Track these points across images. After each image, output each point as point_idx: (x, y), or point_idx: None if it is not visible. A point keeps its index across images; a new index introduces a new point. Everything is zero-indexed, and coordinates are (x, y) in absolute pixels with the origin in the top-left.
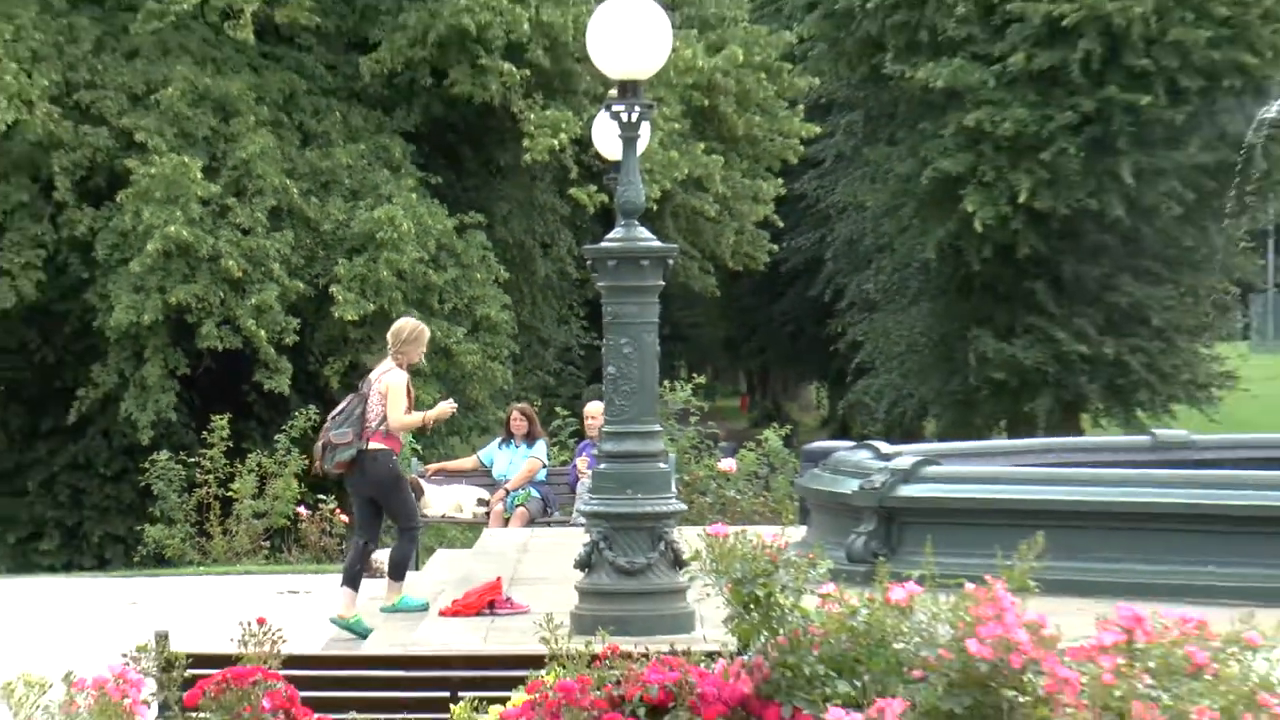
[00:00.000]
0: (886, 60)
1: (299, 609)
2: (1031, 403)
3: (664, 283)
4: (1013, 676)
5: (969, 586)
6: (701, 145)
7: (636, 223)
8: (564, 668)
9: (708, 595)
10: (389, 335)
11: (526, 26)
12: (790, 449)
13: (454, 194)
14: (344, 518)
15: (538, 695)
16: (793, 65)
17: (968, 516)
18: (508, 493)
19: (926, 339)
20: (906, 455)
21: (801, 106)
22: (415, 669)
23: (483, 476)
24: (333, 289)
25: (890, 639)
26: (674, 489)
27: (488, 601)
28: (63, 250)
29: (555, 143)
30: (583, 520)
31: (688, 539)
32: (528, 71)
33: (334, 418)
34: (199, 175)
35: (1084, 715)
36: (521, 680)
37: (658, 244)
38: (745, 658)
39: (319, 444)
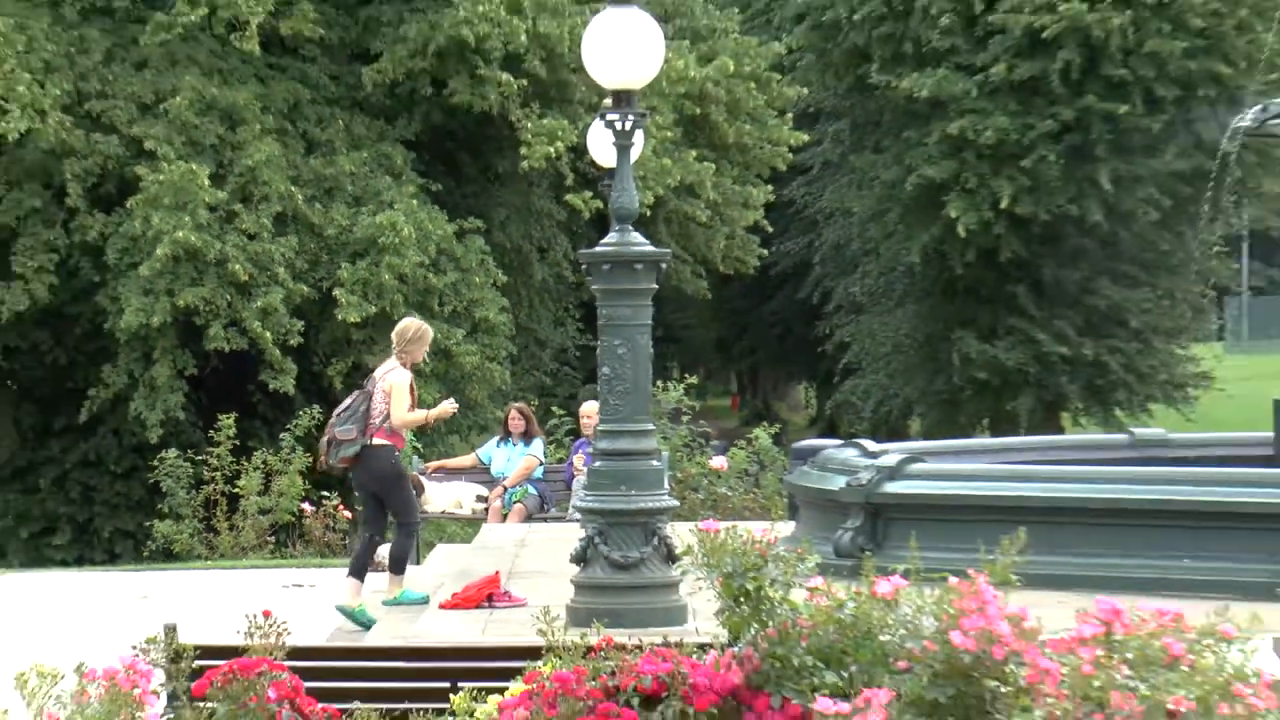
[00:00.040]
0: (872, 70)
1: (303, 602)
2: (1013, 402)
3: (657, 286)
4: (995, 667)
5: (953, 580)
6: (693, 153)
7: (630, 228)
8: (560, 659)
9: (699, 589)
10: (393, 335)
11: (524, 38)
12: (779, 447)
13: (453, 200)
14: (347, 513)
15: (535, 685)
16: (782, 75)
17: (951, 512)
18: (506, 489)
19: (912, 340)
20: (892, 453)
21: (790, 115)
22: (416, 660)
23: (481, 474)
24: (336, 292)
25: (876, 631)
26: (667, 486)
27: (486, 595)
28: (74, 254)
29: (552, 150)
30: (578, 516)
31: (680, 534)
32: (525, 81)
33: (339, 414)
34: (206, 182)
35: (1064, 705)
36: (519, 671)
37: (651, 248)
38: (736, 649)
39: (324, 439)
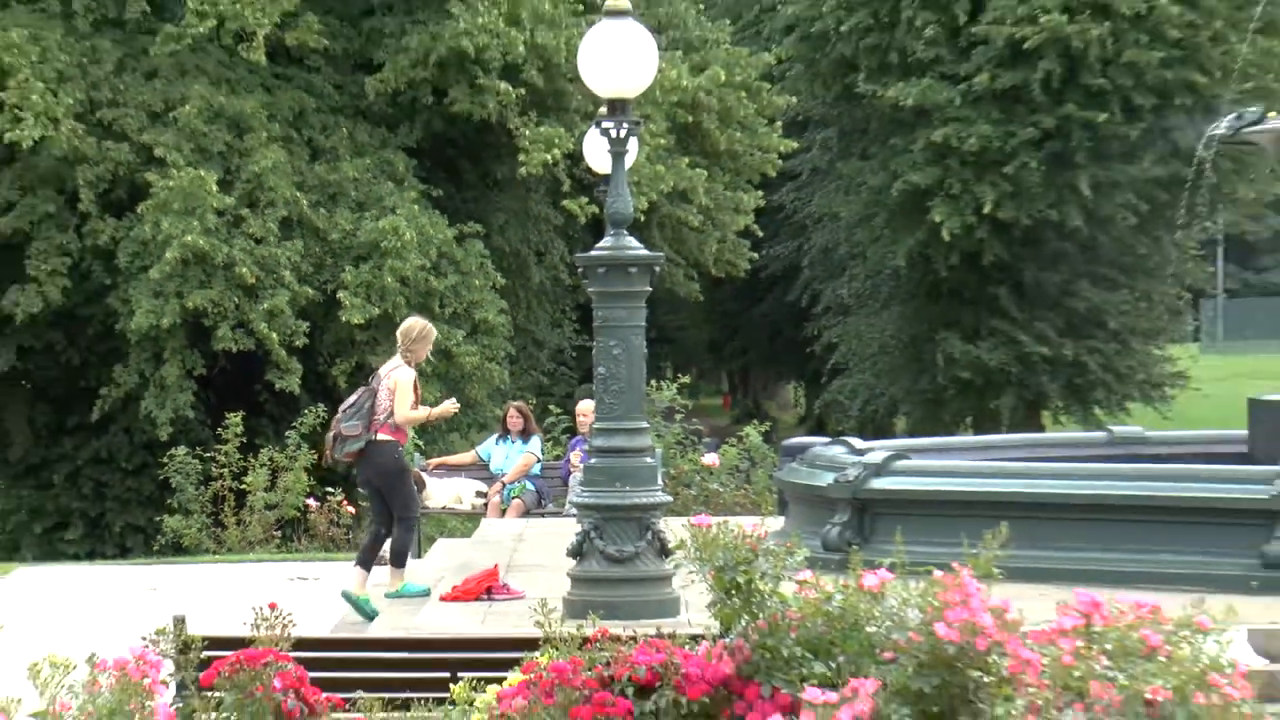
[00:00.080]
0: (859, 80)
1: (308, 595)
2: (996, 401)
3: (651, 288)
4: (978, 658)
5: (937, 573)
6: (686, 160)
7: (625, 232)
8: (557, 650)
9: (692, 581)
10: (398, 334)
11: (522, 48)
12: (769, 444)
13: (454, 205)
14: (350, 509)
15: (533, 675)
16: (771, 85)
17: (936, 508)
18: (504, 485)
19: (897, 341)
20: (878, 450)
21: (780, 123)
22: (417, 651)
23: (481, 470)
24: (340, 294)
25: (863, 623)
26: (660, 482)
27: (486, 587)
28: (87, 258)
29: (549, 157)
30: (575, 511)
31: (673, 529)
32: (523, 90)
33: (345, 410)
34: (214, 188)
35: (1045, 694)
36: (517, 661)
37: (645, 252)
38: (727, 640)
39: (330, 434)
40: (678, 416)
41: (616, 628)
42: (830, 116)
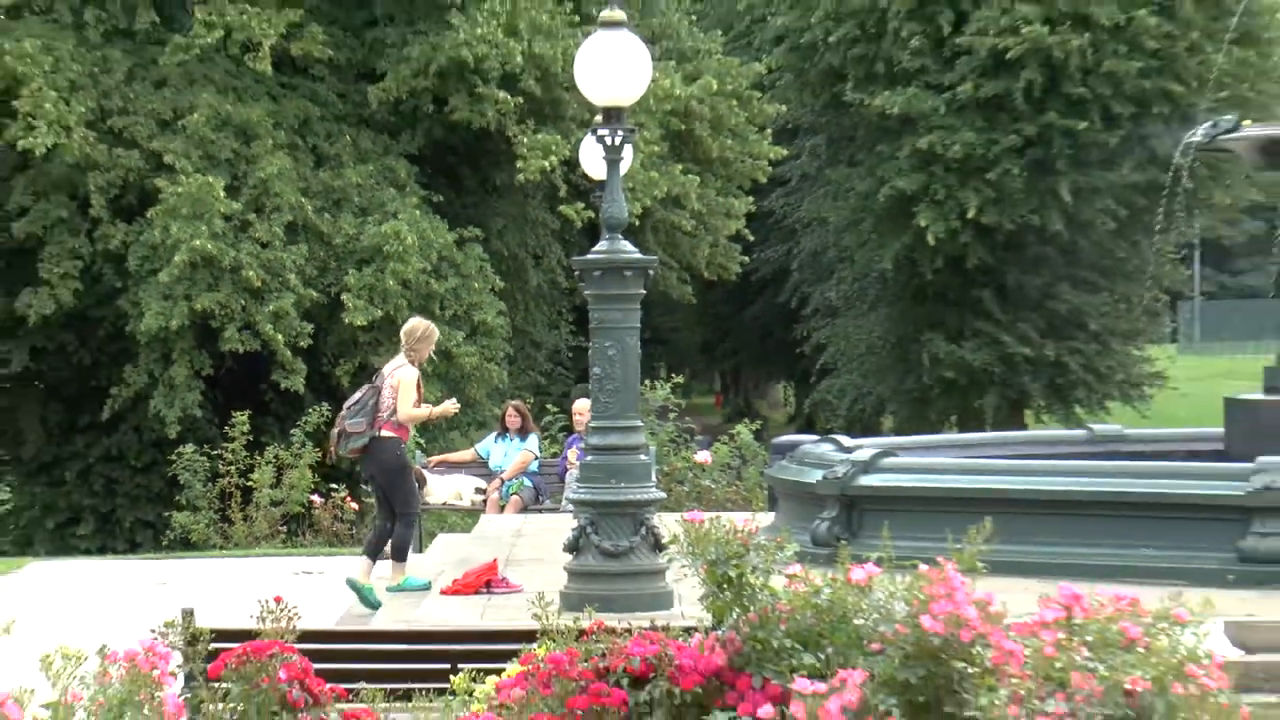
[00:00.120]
0: (847, 89)
1: (313, 588)
2: (980, 400)
3: (645, 291)
4: (962, 649)
5: (923, 567)
6: (679, 166)
7: (620, 236)
8: (554, 642)
9: (685, 575)
10: (402, 334)
11: (519, 58)
12: (760, 442)
13: (454, 210)
14: (354, 505)
15: (530, 667)
16: (762, 94)
17: (922, 504)
18: (503, 482)
19: (884, 342)
20: (866, 448)
21: (770, 131)
22: (419, 643)
23: (480, 467)
24: (343, 297)
25: (851, 615)
26: (654, 479)
27: (485, 581)
28: (98, 262)
29: (546, 164)
30: (571, 507)
31: (667, 524)
32: (521, 99)
33: (350, 407)
34: (222, 194)
35: (1027, 685)
36: (516, 653)
37: (639, 256)
38: (719, 632)
39: (335, 431)
40: (671, 415)
41: (612, 620)
42: (819, 124)
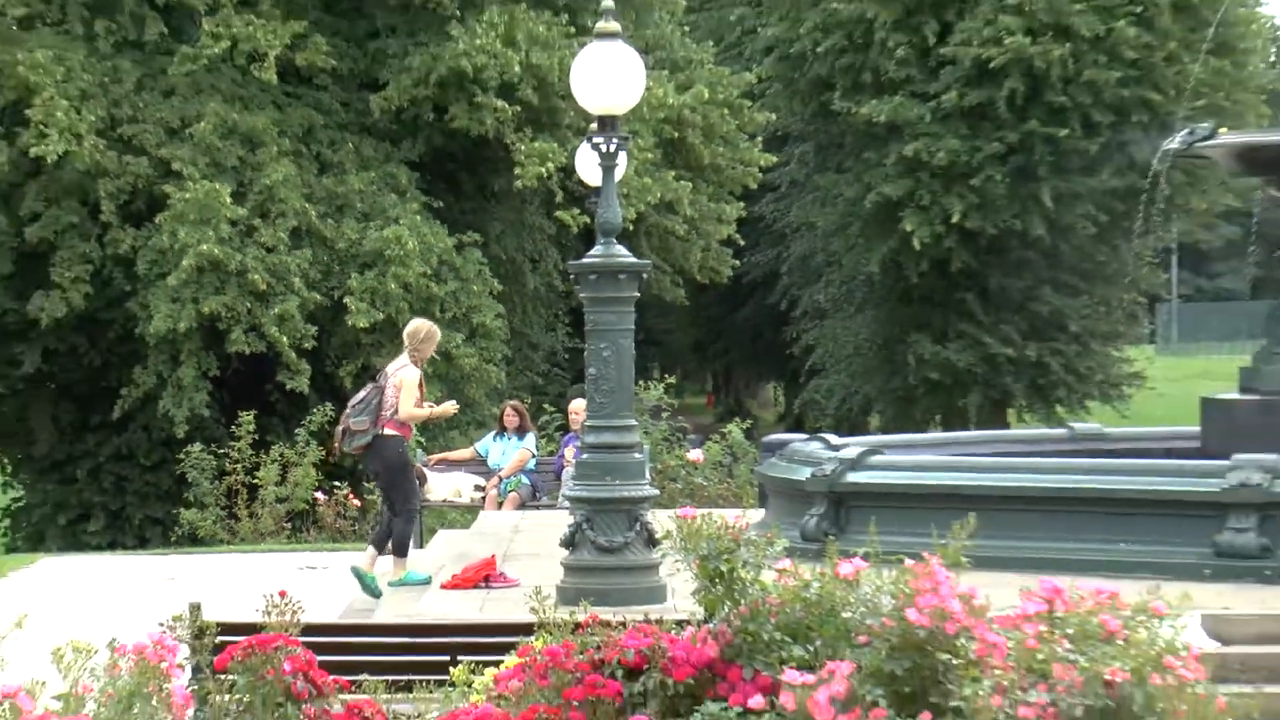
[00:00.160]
0: (835, 98)
1: (317, 583)
2: (964, 399)
3: (639, 294)
4: (947, 642)
5: (909, 562)
6: (672, 173)
7: (614, 241)
8: (551, 634)
9: (678, 570)
10: (405, 335)
11: (517, 68)
12: (751, 441)
13: (453, 216)
14: (356, 502)
15: (528, 659)
16: (752, 102)
17: (908, 500)
18: (501, 480)
19: (871, 343)
20: (853, 446)
21: (760, 138)
22: (419, 636)
23: (479, 465)
24: (346, 300)
25: (839, 609)
26: (648, 476)
27: (483, 576)
28: (108, 266)
29: (543, 170)
30: (567, 504)
31: (660, 520)
32: (518, 108)
33: (354, 406)
34: (228, 200)
35: (1010, 676)
36: (514, 645)
37: (633, 260)
38: (711, 625)
39: (339, 428)
40: (664, 414)
41: (607, 614)
42: (807, 132)
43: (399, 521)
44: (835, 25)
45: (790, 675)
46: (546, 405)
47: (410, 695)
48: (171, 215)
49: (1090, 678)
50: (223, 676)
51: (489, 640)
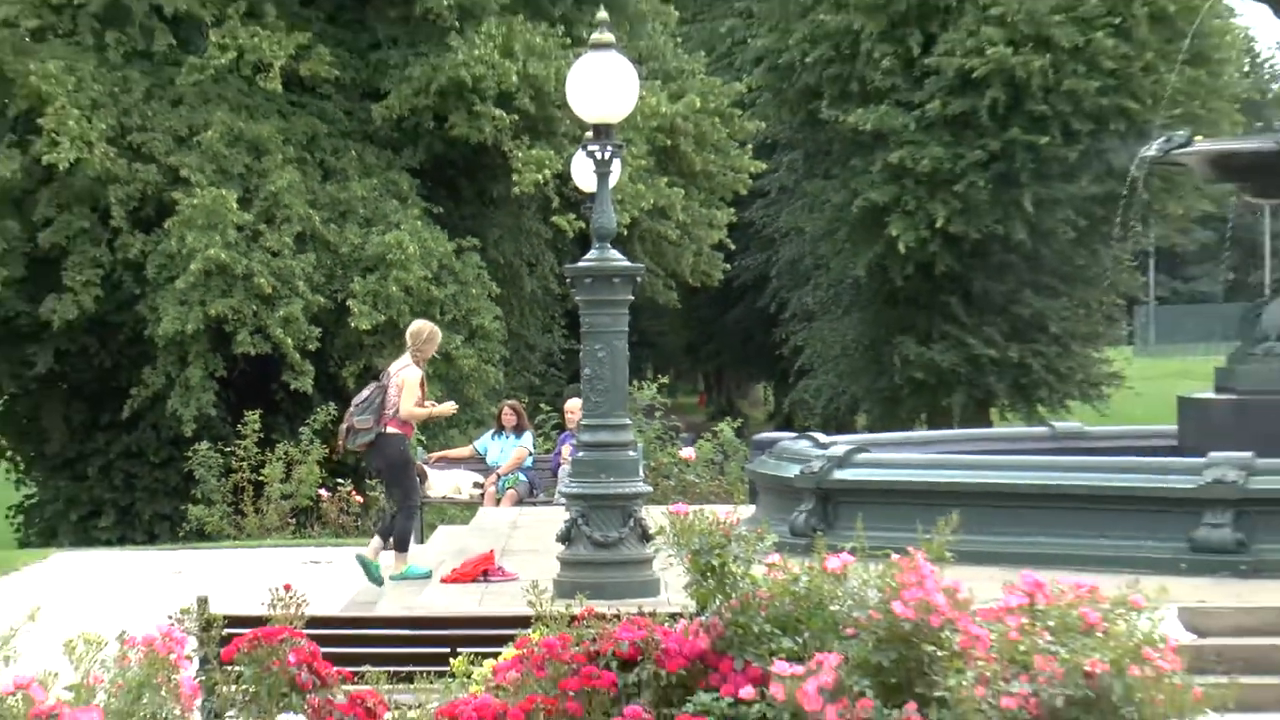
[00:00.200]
0: (822, 107)
1: (321, 577)
2: (948, 399)
3: (633, 297)
4: (932, 634)
5: (894, 557)
6: (664, 179)
7: (609, 246)
8: (548, 627)
9: (671, 564)
10: (408, 335)
11: (515, 78)
12: (741, 439)
13: (453, 221)
14: (359, 498)
15: (525, 650)
16: (742, 111)
17: (893, 496)
18: (499, 477)
19: (858, 344)
20: (841, 444)
21: (750, 146)
22: (420, 628)
23: (478, 463)
24: (349, 303)
25: (827, 602)
26: (642, 474)
27: (482, 570)
28: (118, 270)
29: (539, 177)
30: (564, 500)
31: (653, 516)
32: (516, 116)
33: (357, 405)
34: (235, 205)
35: (993, 667)
36: (512, 638)
37: (627, 264)
38: (703, 618)
39: (343, 426)
40: (657, 414)
41: (602, 607)
42: (796, 140)
43: (400, 517)
44: (823, 36)
45: (780, 666)
46: (543, 405)
47: (411, 686)
48: (180, 221)
49: (1071, 669)
50: (230, 667)
51: (488, 633)
